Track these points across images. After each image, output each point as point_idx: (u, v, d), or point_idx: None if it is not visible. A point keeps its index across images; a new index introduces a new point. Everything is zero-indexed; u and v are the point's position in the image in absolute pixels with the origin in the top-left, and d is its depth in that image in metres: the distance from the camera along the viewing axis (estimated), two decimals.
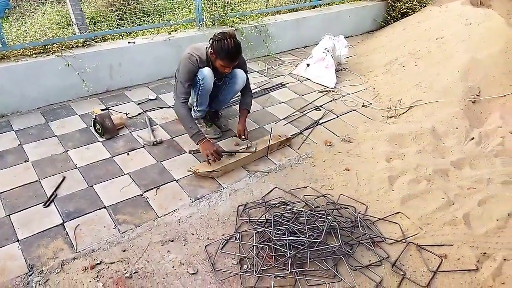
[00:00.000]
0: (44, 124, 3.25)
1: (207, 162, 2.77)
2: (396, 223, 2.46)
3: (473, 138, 3.18)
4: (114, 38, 3.93)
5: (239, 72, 2.99)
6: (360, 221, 2.41)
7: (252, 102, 3.19)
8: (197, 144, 2.83)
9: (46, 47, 3.45)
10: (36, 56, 3.37)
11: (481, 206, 2.55)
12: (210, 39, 2.73)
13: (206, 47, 2.83)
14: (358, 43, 5.36)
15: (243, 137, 3.03)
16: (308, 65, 4.34)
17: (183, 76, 2.80)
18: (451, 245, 2.31)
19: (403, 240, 2.34)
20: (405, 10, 5.56)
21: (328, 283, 2.04)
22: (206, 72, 2.81)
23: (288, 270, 2.05)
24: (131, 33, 4.01)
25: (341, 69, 4.52)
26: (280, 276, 2.05)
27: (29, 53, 3.38)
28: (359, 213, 2.50)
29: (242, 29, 4.32)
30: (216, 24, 4.29)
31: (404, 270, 2.16)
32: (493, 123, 3.33)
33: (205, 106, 3.08)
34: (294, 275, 2.05)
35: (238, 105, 3.57)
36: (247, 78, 3.07)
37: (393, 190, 2.69)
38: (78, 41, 3.61)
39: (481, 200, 2.59)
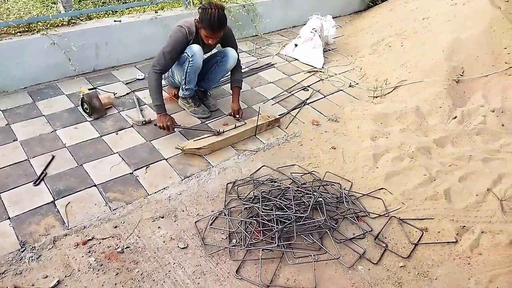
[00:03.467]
0: (31, 103, 3.23)
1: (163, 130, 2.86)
2: (380, 198, 2.55)
3: (455, 117, 3.26)
4: (100, 16, 3.87)
5: (231, 51, 3.00)
6: (345, 197, 2.49)
7: (242, 78, 3.21)
8: (157, 114, 2.86)
9: (31, 25, 3.38)
10: (21, 35, 3.31)
11: (462, 182, 2.65)
12: (199, 8, 2.72)
13: (195, 19, 2.82)
14: (346, 24, 5.37)
15: (237, 116, 3.07)
16: (296, 45, 4.35)
17: (168, 47, 2.78)
18: (432, 219, 2.41)
19: (386, 215, 2.43)
20: None
21: (314, 255, 2.12)
22: (196, 49, 2.80)
23: (275, 243, 2.12)
24: (117, 11, 3.95)
25: (329, 50, 4.55)
26: (268, 249, 2.13)
27: (13, 32, 3.31)
28: (344, 189, 2.58)
29: (230, 8, 4.28)
30: (203, 2, 4.25)
31: (387, 242, 2.26)
32: (476, 102, 3.42)
33: (193, 84, 3.08)
34: (281, 248, 2.13)
35: (227, 84, 3.60)
36: (238, 56, 3.07)
37: (377, 167, 2.77)
38: (63, 19, 3.55)
39: (462, 176, 2.69)
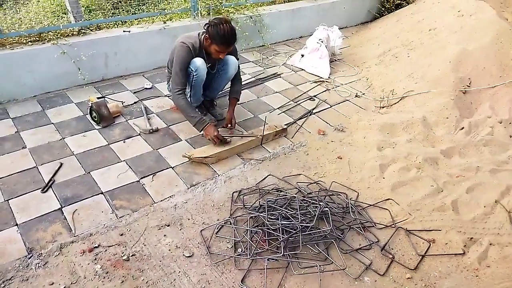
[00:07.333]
0: (40, 111, 3.27)
1: (213, 143, 2.88)
2: (386, 209, 2.53)
3: (463, 128, 3.25)
4: (109, 26, 3.94)
5: (231, 59, 3.02)
6: (351, 207, 2.48)
7: (241, 90, 3.26)
8: (200, 132, 2.93)
9: (42, 35, 3.45)
10: (32, 44, 3.37)
11: (469, 193, 2.62)
12: (205, 25, 2.76)
13: (199, 33, 2.86)
14: (352, 34, 5.40)
15: (229, 125, 3.09)
16: (302, 55, 4.38)
17: (178, 65, 2.82)
18: (439, 230, 2.39)
19: (393, 225, 2.41)
20: (399, 1, 5.62)
21: (319, 266, 2.11)
22: (199, 63, 2.83)
23: (281, 253, 2.11)
24: (126, 22, 4.02)
25: (335, 60, 4.56)
26: (273, 259, 2.12)
27: (24, 41, 3.38)
28: (350, 199, 2.57)
29: (237, 19, 4.33)
30: (211, 13, 4.31)
31: (393, 253, 2.24)
32: (483, 113, 3.41)
33: (199, 95, 3.12)
34: (286, 258, 2.12)
35: None
36: (238, 65, 3.10)
37: (384, 178, 2.76)
38: (73, 29, 3.61)
39: (469, 188, 2.66)
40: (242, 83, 3.46)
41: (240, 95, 3.22)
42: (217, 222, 2.37)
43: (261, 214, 2.31)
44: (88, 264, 2.07)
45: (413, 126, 3.24)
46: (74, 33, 3.62)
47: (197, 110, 3.14)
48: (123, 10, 3.98)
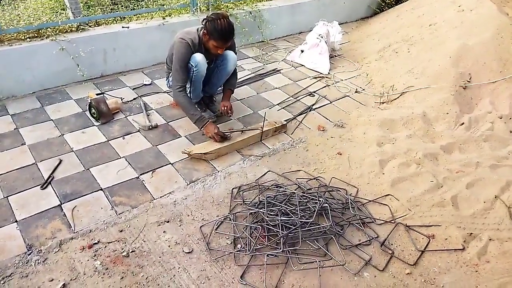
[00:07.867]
0: (39, 108, 3.26)
1: (214, 141, 2.87)
2: (386, 204, 2.53)
3: (463, 123, 3.24)
4: (108, 22, 3.92)
5: (230, 54, 3.01)
6: (351, 203, 2.47)
7: (236, 83, 3.25)
8: (200, 129, 2.92)
9: (40, 31, 3.43)
10: (30, 40, 3.36)
11: (469, 189, 2.62)
12: (203, 20, 2.75)
13: (198, 29, 2.84)
14: (352, 30, 5.38)
15: (230, 112, 3.08)
16: (302, 51, 4.36)
17: (178, 62, 2.81)
18: (439, 225, 2.39)
19: (392, 221, 2.41)
20: None
21: (319, 261, 2.11)
22: (199, 59, 2.82)
23: (280, 249, 2.12)
24: (125, 17, 4.00)
25: (335, 56, 4.55)
26: (273, 255, 2.12)
27: (23, 37, 3.36)
28: (350, 195, 2.57)
29: (236, 14, 4.32)
30: (210, 9, 4.29)
31: (393, 249, 2.24)
32: (483, 108, 3.40)
33: (199, 91, 3.11)
34: (286, 254, 2.12)
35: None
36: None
37: (383, 173, 2.76)
38: (72, 25, 3.60)
39: (469, 183, 2.66)
40: (242, 79, 3.45)
41: (234, 88, 3.22)
42: (217, 218, 2.36)
43: (261, 210, 2.31)
44: (88, 260, 2.07)
45: (413, 122, 3.23)
46: (73, 29, 3.60)
47: (196, 106, 3.13)
48: (122, 6, 3.96)
